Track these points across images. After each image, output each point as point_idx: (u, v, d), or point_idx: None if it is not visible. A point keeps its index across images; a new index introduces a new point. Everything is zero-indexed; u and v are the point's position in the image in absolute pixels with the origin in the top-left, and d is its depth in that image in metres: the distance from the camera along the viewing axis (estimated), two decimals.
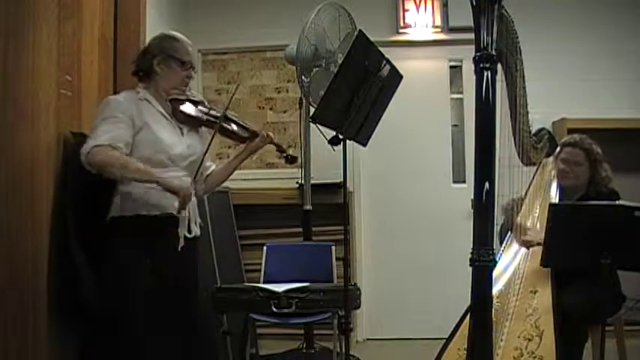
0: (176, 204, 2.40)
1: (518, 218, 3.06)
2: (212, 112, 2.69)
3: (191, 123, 2.65)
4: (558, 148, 3.26)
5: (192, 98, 2.68)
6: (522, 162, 3.03)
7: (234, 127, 2.75)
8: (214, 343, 2.86)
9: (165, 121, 2.58)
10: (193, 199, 2.59)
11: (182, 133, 2.61)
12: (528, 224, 3.04)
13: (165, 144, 2.50)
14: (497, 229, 2.33)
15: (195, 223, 2.60)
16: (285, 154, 2.91)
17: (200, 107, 2.68)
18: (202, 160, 2.58)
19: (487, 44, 1.96)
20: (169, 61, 2.60)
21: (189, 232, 2.54)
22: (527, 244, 2.96)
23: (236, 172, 4.54)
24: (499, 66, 2.10)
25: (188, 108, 2.63)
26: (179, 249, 2.49)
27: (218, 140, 4.05)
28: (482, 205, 1.95)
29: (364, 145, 2.98)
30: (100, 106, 2.52)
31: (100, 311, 2.41)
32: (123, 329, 2.36)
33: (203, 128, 2.73)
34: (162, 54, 2.60)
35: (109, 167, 2.36)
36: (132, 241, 2.44)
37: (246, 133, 2.78)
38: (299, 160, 4.28)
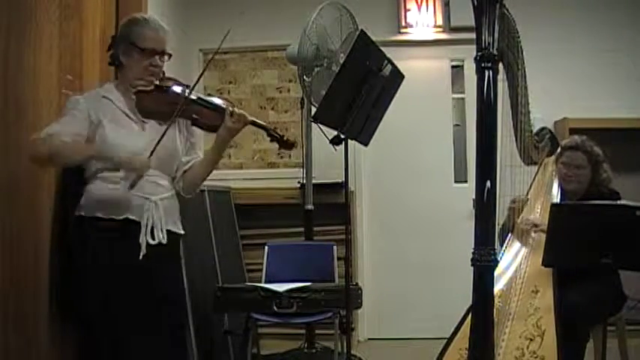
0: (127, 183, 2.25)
1: (520, 218, 3.06)
2: (182, 98, 2.41)
3: (157, 116, 2.41)
4: (559, 150, 3.26)
5: (164, 85, 2.41)
6: (524, 161, 3.03)
7: (205, 113, 2.45)
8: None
9: (125, 119, 2.39)
10: (169, 203, 2.45)
11: (143, 129, 2.42)
12: (533, 234, 3.04)
13: (115, 143, 2.31)
14: (498, 229, 2.33)
15: (162, 230, 2.37)
16: (276, 137, 2.56)
17: (170, 95, 2.41)
18: (151, 151, 2.29)
19: (488, 44, 1.96)
20: (130, 50, 2.38)
21: (153, 238, 2.33)
22: (532, 224, 2.96)
23: (237, 171, 4.52)
24: (500, 65, 2.09)
25: (150, 101, 2.37)
26: (140, 257, 2.29)
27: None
28: (484, 205, 1.95)
29: (366, 144, 2.98)
30: None
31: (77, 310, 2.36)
32: (94, 330, 2.30)
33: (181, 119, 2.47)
34: (124, 42, 2.39)
35: (51, 155, 2.24)
36: (92, 242, 2.31)
37: (220, 117, 2.44)
38: (300, 160, 4.31)
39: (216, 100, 2.52)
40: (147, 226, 2.33)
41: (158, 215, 2.37)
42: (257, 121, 2.55)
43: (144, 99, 2.37)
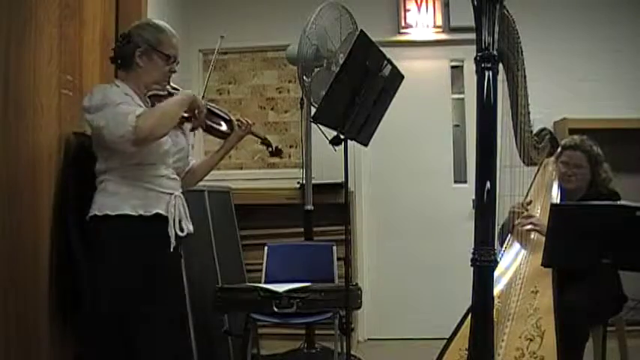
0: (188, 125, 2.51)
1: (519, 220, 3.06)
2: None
3: None
4: (559, 150, 3.26)
5: (173, 92, 2.53)
6: (524, 162, 3.03)
7: (219, 121, 2.68)
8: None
9: None
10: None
11: None
12: (528, 227, 3.04)
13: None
14: (497, 229, 2.33)
15: (188, 221, 2.51)
16: (268, 147, 2.92)
17: None
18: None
19: (488, 44, 1.96)
20: (152, 54, 2.44)
21: (182, 230, 2.45)
22: (531, 224, 2.96)
23: (238, 172, 4.55)
24: (500, 66, 2.09)
25: None
26: (171, 249, 2.41)
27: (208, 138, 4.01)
28: (484, 205, 1.95)
29: (365, 145, 2.98)
30: (97, 96, 2.32)
31: (92, 311, 2.36)
32: (115, 328, 2.30)
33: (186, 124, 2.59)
34: (144, 45, 2.43)
35: (162, 124, 2.28)
36: (118, 241, 2.33)
37: (230, 126, 2.72)
38: (300, 160, 4.31)
39: (223, 110, 2.75)
40: (174, 219, 2.42)
41: (183, 208, 2.50)
42: (259, 133, 2.87)
43: (158, 102, 2.45)
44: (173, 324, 2.51)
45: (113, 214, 2.34)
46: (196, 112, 2.50)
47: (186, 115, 2.53)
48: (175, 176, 2.52)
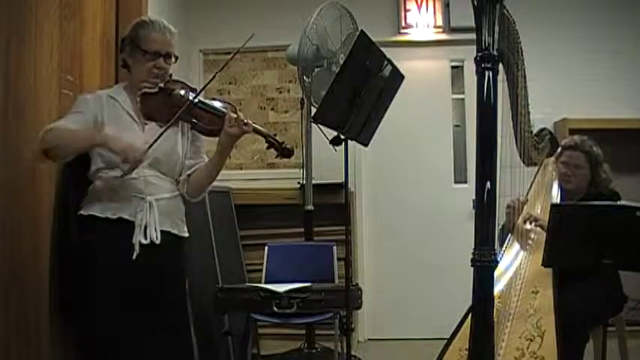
0: (124, 168, 2.24)
1: (520, 219, 3.06)
2: (184, 101, 2.40)
3: (157, 119, 2.39)
4: (559, 150, 3.26)
5: (168, 88, 2.40)
6: (524, 162, 3.03)
7: (205, 117, 2.44)
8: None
9: (128, 120, 2.40)
10: (167, 203, 2.44)
11: (143, 130, 2.40)
12: (528, 226, 3.04)
13: None
14: (497, 230, 2.33)
15: (156, 230, 2.34)
16: (272, 145, 2.53)
17: (173, 98, 2.39)
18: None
19: (489, 44, 1.96)
20: (135, 52, 2.39)
21: (145, 237, 2.31)
22: (534, 221, 2.96)
23: (237, 172, 4.51)
24: (501, 66, 2.09)
25: (152, 103, 2.37)
26: (133, 257, 2.29)
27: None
28: (484, 205, 1.95)
29: (366, 145, 2.98)
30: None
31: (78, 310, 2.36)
32: (94, 329, 2.30)
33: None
34: (130, 44, 2.40)
35: (57, 146, 2.23)
36: (89, 241, 2.32)
37: (220, 124, 2.43)
38: (300, 160, 4.32)
39: (218, 105, 2.49)
40: (140, 226, 2.32)
41: (152, 216, 2.35)
42: (258, 127, 2.50)
43: (147, 101, 2.37)
44: (172, 326, 2.49)
45: (86, 214, 2.35)
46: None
47: (170, 112, 2.37)
48: (158, 180, 2.41)
